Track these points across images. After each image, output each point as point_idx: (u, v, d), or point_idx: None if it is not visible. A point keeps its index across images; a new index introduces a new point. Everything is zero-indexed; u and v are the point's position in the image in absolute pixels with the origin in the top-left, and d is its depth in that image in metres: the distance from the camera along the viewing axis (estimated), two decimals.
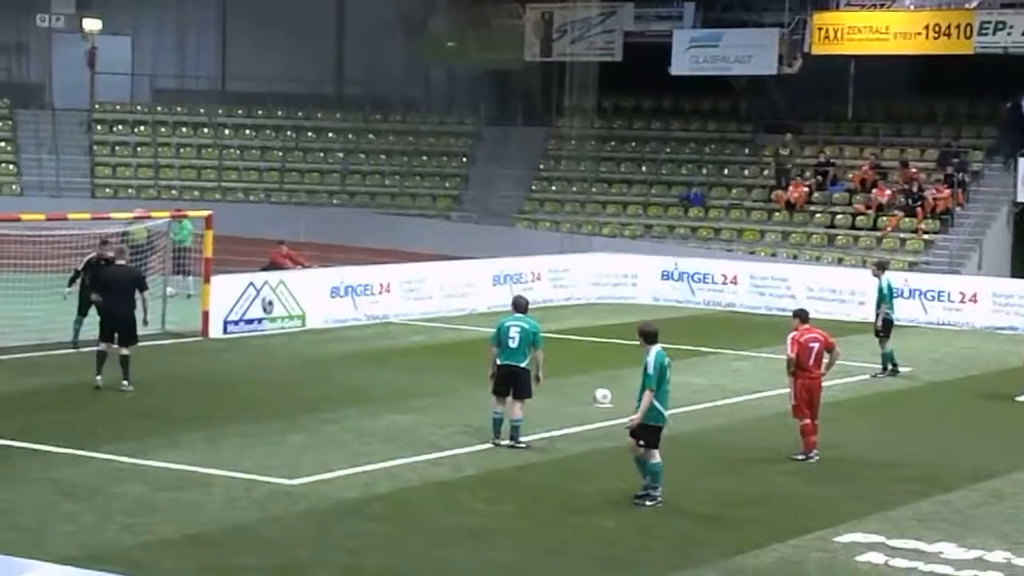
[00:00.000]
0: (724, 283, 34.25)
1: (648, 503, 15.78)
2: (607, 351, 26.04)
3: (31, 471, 16.37)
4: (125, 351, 21.21)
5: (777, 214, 41.47)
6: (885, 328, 25.23)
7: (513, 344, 18.34)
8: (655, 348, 15.94)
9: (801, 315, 19.01)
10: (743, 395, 22.96)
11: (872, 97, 43.67)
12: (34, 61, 47.99)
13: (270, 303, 28.03)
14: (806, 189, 41.34)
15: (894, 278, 27.66)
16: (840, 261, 37.86)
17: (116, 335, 21.28)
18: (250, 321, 27.70)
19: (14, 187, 44.84)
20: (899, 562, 14.16)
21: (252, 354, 25.60)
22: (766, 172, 43.41)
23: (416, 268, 32.26)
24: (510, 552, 14.07)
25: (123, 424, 19.03)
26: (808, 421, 18.41)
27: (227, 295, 27.36)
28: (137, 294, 21.71)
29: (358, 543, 14.11)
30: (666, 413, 16.00)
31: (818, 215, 40.91)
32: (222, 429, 18.85)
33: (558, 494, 16.34)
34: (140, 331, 21.88)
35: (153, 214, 30.57)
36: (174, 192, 45.33)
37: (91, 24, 46.44)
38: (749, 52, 41.53)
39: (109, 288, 21.93)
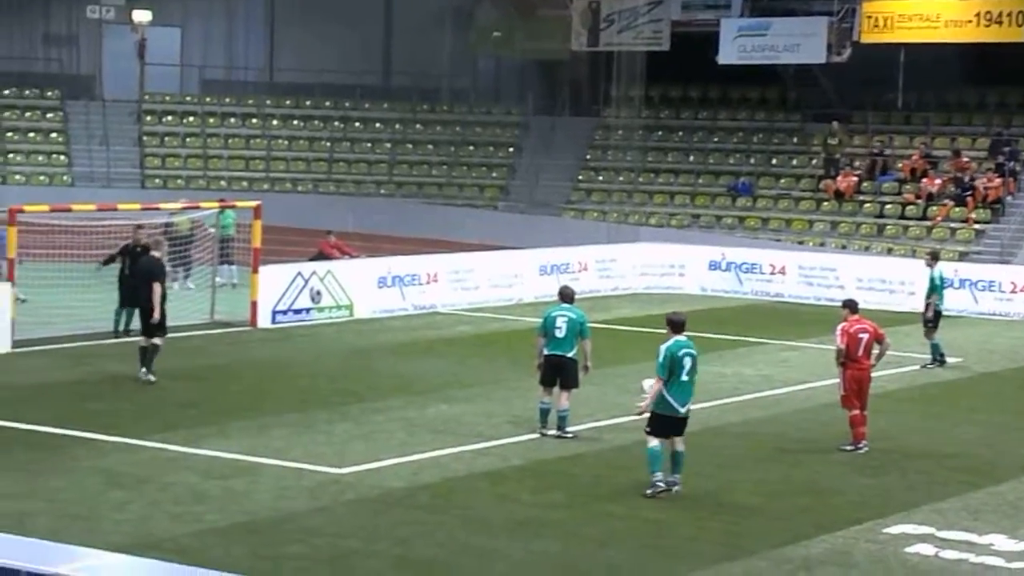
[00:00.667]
0: (772, 273, 34.11)
1: (648, 492, 15.68)
2: (654, 341, 25.89)
3: (81, 460, 16.51)
4: (157, 341, 21.16)
5: (826, 204, 41.25)
6: (935, 319, 25.07)
7: (560, 334, 18.35)
8: (675, 338, 15.98)
9: (851, 305, 19.00)
10: (791, 386, 22.87)
11: (922, 85, 43.33)
12: (84, 53, 48.30)
13: (318, 293, 28.13)
14: (855, 178, 41.10)
15: (945, 268, 27.44)
16: (890, 251, 37.62)
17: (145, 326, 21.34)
18: (298, 311, 27.81)
19: (65, 178, 45.18)
20: (949, 554, 14.07)
21: (300, 344, 25.71)
22: (814, 161, 43.17)
23: (463, 258, 32.30)
24: (558, 542, 14.07)
25: (172, 413, 19.15)
26: (857, 412, 18.34)
27: (275, 285, 27.48)
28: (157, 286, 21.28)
29: (406, 532, 14.15)
30: (678, 404, 15.78)
31: (867, 205, 40.66)
32: (271, 418, 18.94)
33: (606, 484, 16.33)
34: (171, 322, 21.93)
35: (201, 204, 30.76)
36: (223, 183, 45.53)
37: (141, 15, 46.71)
38: (797, 41, 41.28)
39: (137, 278, 22.03)
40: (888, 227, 39.50)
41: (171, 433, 17.79)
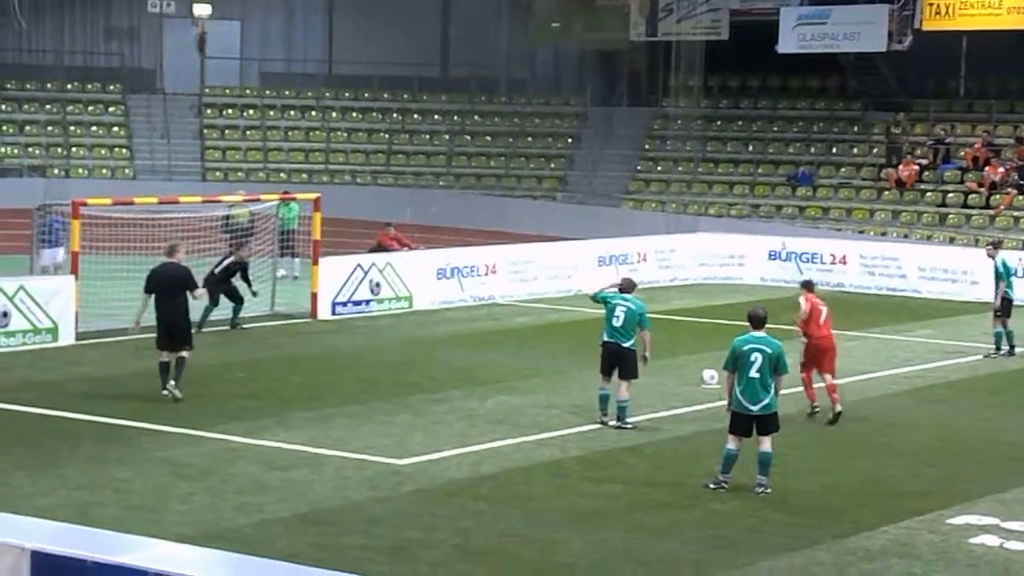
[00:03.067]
0: (833, 263, 33.88)
1: (709, 484, 15.57)
2: (714, 332, 25.85)
3: (147, 451, 16.66)
4: (184, 353, 19.40)
5: (887, 193, 40.93)
6: (1004, 307, 24.81)
7: (617, 323, 18.36)
8: (751, 333, 15.67)
9: (807, 284, 20.19)
10: (852, 376, 22.69)
11: (984, 73, 42.88)
12: (145, 46, 48.69)
13: (377, 285, 28.23)
14: (917, 167, 40.76)
15: (1008, 257, 27.15)
16: (952, 240, 37.29)
17: (169, 340, 19.44)
18: (358, 303, 27.92)
19: (127, 171, 45.57)
20: (1014, 544, 13.95)
21: (360, 335, 25.81)
22: (875, 150, 42.86)
23: (522, 249, 32.30)
24: (619, 533, 14.05)
25: (235, 405, 19.28)
26: (806, 374, 19.42)
27: (335, 277, 27.60)
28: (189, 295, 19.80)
29: (466, 523, 14.18)
30: (747, 402, 15.41)
31: (929, 194, 40.31)
32: (332, 409, 19.03)
33: (665, 475, 16.29)
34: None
35: (262, 197, 30.93)
36: (283, 175, 45.80)
37: (201, 9, 47.03)
38: (858, 29, 40.98)
39: (159, 288, 19.66)
40: (950, 216, 39.15)
41: (233, 424, 17.92)
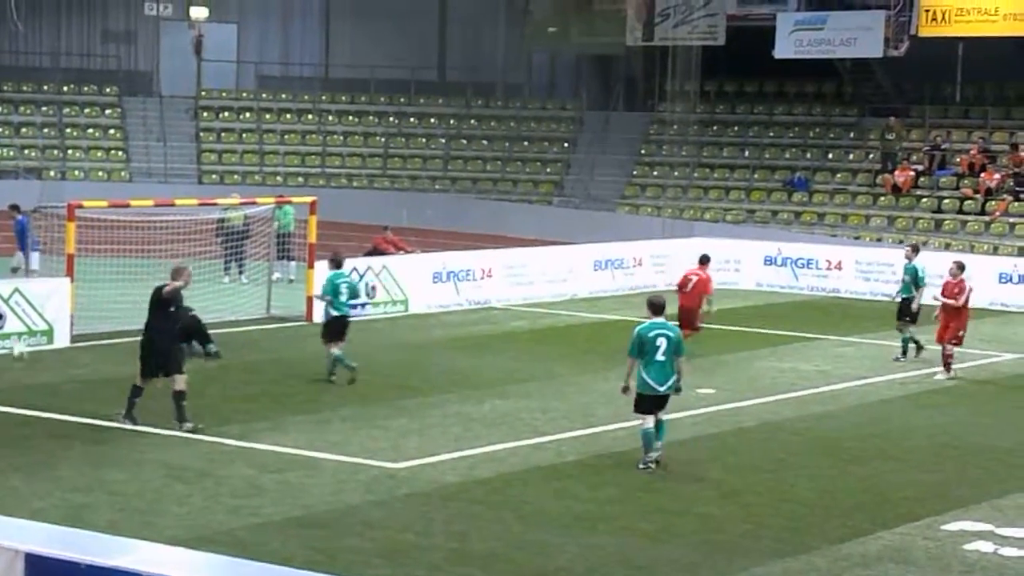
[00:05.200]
0: (828, 268, 33.90)
1: (640, 466, 16.37)
2: (709, 337, 25.85)
3: (142, 453, 16.63)
4: (177, 386, 17.66)
5: (883, 199, 40.95)
6: (910, 311, 24.57)
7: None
8: (651, 319, 16.52)
9: (702, 259, 25.44)
10: (847, 381, 22.72)
11: (981, 79, 42.92)
12: (142, 49, 48.68)
13: (373, 288, 28.22)
14: (913, 173, 40.78)
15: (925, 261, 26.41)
16: (947, 246, 37.29)
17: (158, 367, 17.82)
18: (353, 306, 27.84)
19: (123, 174, 45.54)
20: (1009, 551, 13.94)
21: (355, 339, 25.74)
22: (872, 156, 42.87)
23: (518, 253, 32.30)
24: (614, 537, 14.04)
25: (230, 407, 19.25)
26: (687, 331, 20.99)
27: None
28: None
29: (462, 526, 14.17)
30: (656, 384, 16.30)
31: (925, 199, 40.34)
32: (327, 413, 19.02)
33: (661, 480, 16.28)
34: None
35: (258, 200, 30.91)
36: (278, 178, 45.78)
37: (198, 12, 47.02)
38: (854, 35, 41.00)
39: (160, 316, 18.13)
40: (946, 222, 39.17)
41: (229, 427, 17.89)
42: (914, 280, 24.83)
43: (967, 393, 22.30)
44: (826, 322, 29.06)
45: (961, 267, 23.82)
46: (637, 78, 47.87)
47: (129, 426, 17.66)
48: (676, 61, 43.49)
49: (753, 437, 18.59)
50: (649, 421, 16.49)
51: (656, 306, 16.73)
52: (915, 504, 15.50)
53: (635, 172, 45.53)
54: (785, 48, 41.79)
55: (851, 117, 44.61)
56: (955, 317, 23.24)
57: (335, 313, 21.76)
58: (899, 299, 25.22)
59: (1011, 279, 30.46)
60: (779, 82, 46.02)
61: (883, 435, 18.82)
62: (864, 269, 33.55)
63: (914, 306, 24.64)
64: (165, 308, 18.07)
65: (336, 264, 22.36)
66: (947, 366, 23.03)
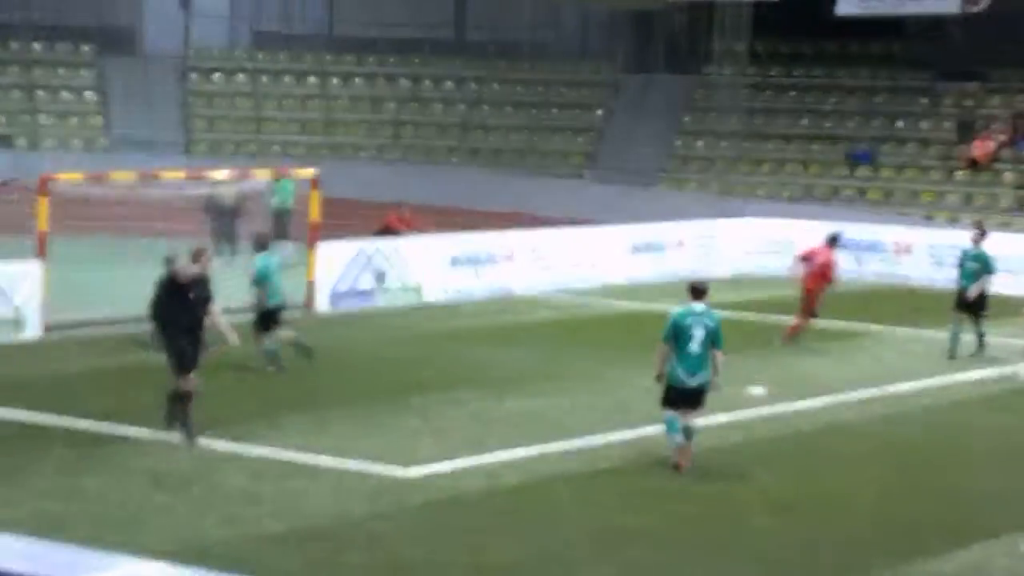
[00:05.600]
0: (896, 252, 33.88)
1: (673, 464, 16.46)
2: (763, 329, 25.89)
3: (124, 458, 16.72)
4: (185, 386, 17.55)
5: (959, 173, 40.91)
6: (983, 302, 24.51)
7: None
8: (690, 304, 16.63)
9: (832, 239, 25.36)
10: (915, 380, 22.71)
11: None
12: (123, 3, 48.84)
13: (383, 273, 28.29)
14: (993, 144, 40.71)
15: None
16: None
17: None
18: (360, 293, 27.99)
19: (102, 142, 45.74)
20: None
21: (362, 329, 25.88)
22: (946, 125, 42.82)
23: (545, 235, 32.36)
24: (651, 553, 14.09)
25: (222, 406, 19.29)
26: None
27: (335, 264, 27.66)
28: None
29: (479, 540, 14.22)
30: (685, 376, 16.40)
31: (1007, 174, 40.27)
32: (330, 412, 19.09)
33: (704, 489, 16.30)
34: None
35: (253, 173, 31.00)
36: (276, 148, 45.94)
37: None
38: None
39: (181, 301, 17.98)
40: None
41: (220, 428, 17.96)
42: (985, 268, 24.57)
43: None
44: (893, 313, 29.03)
45: None
46: (680, 36, 47.87)
47: (188, 443, 17.10)
48: (724, 17, 43.50)
49: (810, 441, 18.60)
50: (669, 411, 16.63)
51: (697, 290, 16.88)
52: (993, 517, 15.51)
53: (678, 143, 45.56)
54: (849, 4, 41.73)
55: (923, 81, 44.53)
56: None
57: (271, 304, 21.68)
58: (972, 291, 24.68)
59: None
60: (840, 42, 45.98)
61: (956, 441, 18.82)
62: (937, 253, 33.50)
63: (979, 293, 24.29)
64: (182, 296, 17.79)
65: (262, 246, 22.28)
66: None
